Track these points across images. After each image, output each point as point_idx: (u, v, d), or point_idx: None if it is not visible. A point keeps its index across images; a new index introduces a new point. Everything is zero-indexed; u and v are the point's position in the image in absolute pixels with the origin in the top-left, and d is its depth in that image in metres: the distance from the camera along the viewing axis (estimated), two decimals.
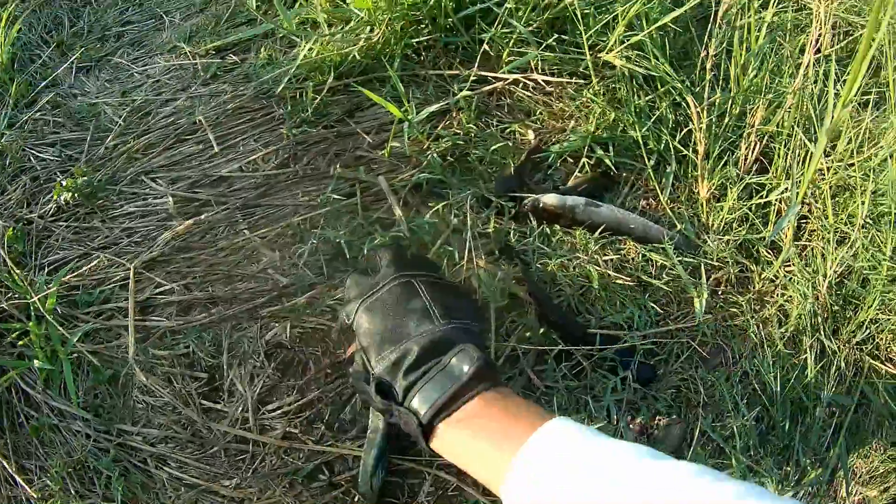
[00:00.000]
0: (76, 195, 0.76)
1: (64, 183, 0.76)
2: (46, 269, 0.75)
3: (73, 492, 0.67)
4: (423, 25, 0.81)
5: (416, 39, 0.80)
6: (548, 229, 0.71)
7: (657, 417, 0.70)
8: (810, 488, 0.69)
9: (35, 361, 0.71)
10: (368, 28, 0.79)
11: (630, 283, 0.72)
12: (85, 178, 0.76)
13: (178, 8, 0.96)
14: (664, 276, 0.74)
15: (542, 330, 0.67)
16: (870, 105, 0.85)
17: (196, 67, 0.85)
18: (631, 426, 0.69)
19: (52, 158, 0.83)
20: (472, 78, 0.76)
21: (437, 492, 0.63)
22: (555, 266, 0.69)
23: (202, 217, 0.70)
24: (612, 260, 0.72)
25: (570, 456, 0.33)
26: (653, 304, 0.71)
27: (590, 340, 0.66)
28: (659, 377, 0.70)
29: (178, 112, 0.81)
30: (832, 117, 0.67)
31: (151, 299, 0.71)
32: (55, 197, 0.76)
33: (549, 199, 0.69)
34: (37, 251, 0.77)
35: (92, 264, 0.73)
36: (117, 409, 0.70)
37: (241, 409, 0.66)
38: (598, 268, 0.70)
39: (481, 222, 0.70)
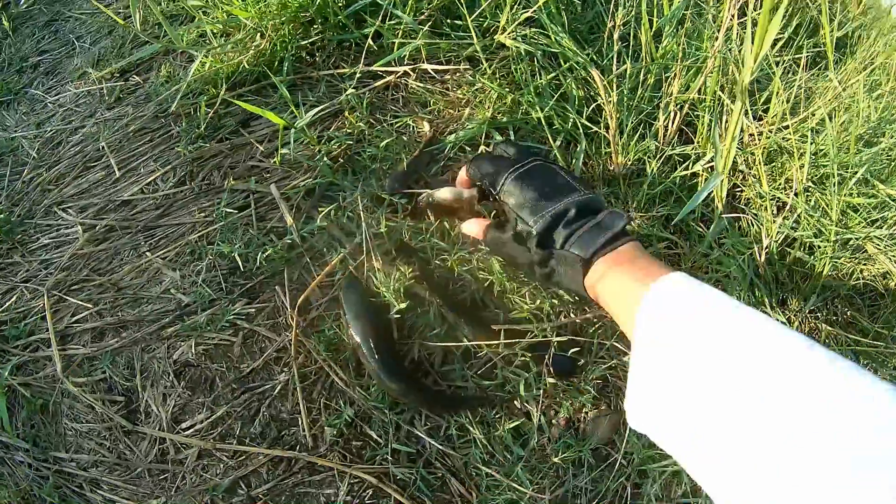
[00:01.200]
0: None
1: None
2: None
3: None
4: (314, 26, 0.80)
5: (308, 41, 0.79)
6: (446, 224, 0.70)
7: (584, 410, 0.69)
8: None
9: None
10: (259, 35, 0.78)
11: None
12: (2, 215, 0.79)
13: (89, 32, 0.97)
14: None
15: (445, 328, 0.67)
16: (802, 64, 0.79)
17: (102, 92, 0.87)
18: (553, 422, 0.68)
19: None
20: (358, 74, 0.75)
21: (354, 500, 0.65)
22: (455, 261, 0.69)
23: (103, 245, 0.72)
24: None
25: (695, 299, 0.38)
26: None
27: (496, 336, 0.65)
28: (580, 368, 0.68)
29: (85, 140, 0.83)
30: (746, 71, 0.63)
31: (69, 327, 0.74)
32: None
33: (443, 193, 0.68)
34: None
35: (13, 299, 0.77)
36: (51, 437, 0.74)
37: (157, 428, 0.69)
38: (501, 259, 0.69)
39: (375, 222, 0.70)
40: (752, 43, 0.55)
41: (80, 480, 0.72)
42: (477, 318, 0.67)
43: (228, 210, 0.72)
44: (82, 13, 1.01)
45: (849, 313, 0.76)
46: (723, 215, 0.73)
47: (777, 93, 0.73)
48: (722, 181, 0.70)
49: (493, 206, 0.65)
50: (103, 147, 0.81)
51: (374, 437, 0.66)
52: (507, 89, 0.74)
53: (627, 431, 0.67)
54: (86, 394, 0.71)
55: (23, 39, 1.03)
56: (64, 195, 0.81)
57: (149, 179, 0.77)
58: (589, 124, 0.75)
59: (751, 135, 0.78)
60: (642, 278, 0.42)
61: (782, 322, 0.70)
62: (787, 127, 0.75)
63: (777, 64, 0.80)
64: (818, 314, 0.75)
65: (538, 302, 0.68)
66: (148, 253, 0.73)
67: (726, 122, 0.70)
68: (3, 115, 0.95)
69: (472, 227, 0.63)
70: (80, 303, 0.74)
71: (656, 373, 0.38)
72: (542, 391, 0.66)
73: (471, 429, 0.65)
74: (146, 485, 0.69)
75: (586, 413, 0.68)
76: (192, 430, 0.69)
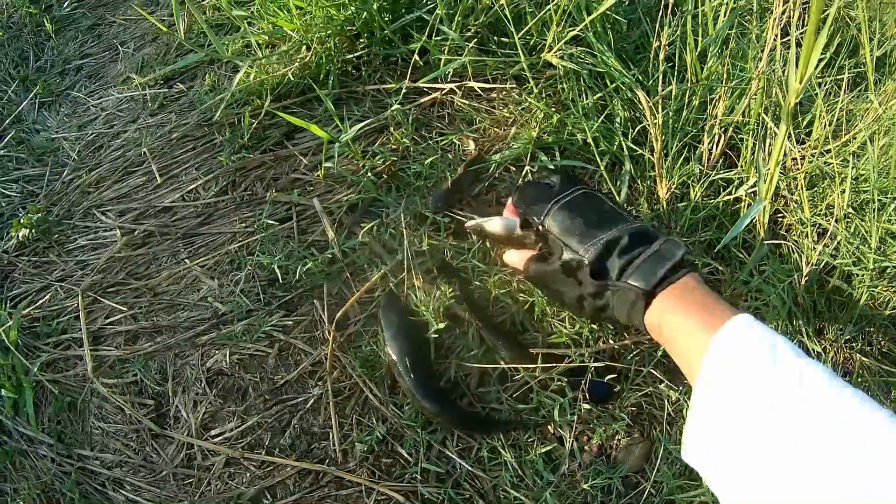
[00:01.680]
0: (34, 231, 0.81)
1: (21, 220, 0.81)
2: (10, 303, 0.81)
3: None
4: (360, 40, 0.82)
5: (354, 55, 0.81)
6: (488, 244, 0.71)
7: (616, 437, 0.69)
8: None
9: (2, 390, 0.76)
10: (304, 47, 0.80)
11: None
12: (40, 214, 0.81)
13: (133, 38, 1.00)
14: None
15: (483, 349, 0.67)
16: (844, 85, 0.80)
17: (145, 98, 0.89)
18: (586, 448, 0.68)
19: (14, 195, 0.88)
20: (404, 90, 0.77)
21: None
22: (494, 283, 0.69)
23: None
24: None
25: (761, 354, 0.38)
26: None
27: (534, 360, 0.65)
28: (616, 394, 0.68)
29: (126, 144, 0.85)
30: (792, 94, 0.63)
31: (102, 329, 0.75)
32: (13, 234, 0.81)
33: (494, 226, 0.66)
34: (2, 284, 0.83)
35: (47, 297, 0.78)
36: (77, 435, 0.74)
37: (185, 433, 0.69)
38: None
39: (417, 240, 0.71)
40: (797, 65, 0.55)
41: (102, 479, 0.72)
42: (515, 341, 0.67)
43: (270, 221, 0.73)
44: (126, 18, 1.04)
45: (884, 343, 0.76)
46: (764, 242, 0.73)
47: (819, 116, 0.74)
48: (764, 207, 0.70)
49: (536, 237, 0.63)
50: (145, 153, 0.82)
51: (405, 455, 0.66)
52: (553, 109, 0.76)
53: (658, 460, 0.67)
54: (115, 395, 0.71)
55: (66, 42, 1.06)
56: (103, 198, 0.82)
57: (190, 187, 0.78)
58: (634, 146, 0.76)
59: (793, 159, 0.78)
60: (707, 319, 0.42)
61: (819, 352, 0.71)
62: (828, 151, 0.76)
63: (819, 85, 0.81)
64: (853, 344, 0.75)
65: (577, 326, 0.69)
66: (187, 260, 0.74)
67: (770, 146, 0.70)
68: (44, 116, 0.97)
69: (514, 258, 0.62)
70: (115, 305, 0.74)
71: (718, 419, 0.38)
72: (576, 416, 0.66)
73: (502, 451, 0.65)
74: (170, 488, 0.69)
75: (619, 441, 0.68)
76: (220, 437, 0.69)
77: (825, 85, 0.83)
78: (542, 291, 0.59)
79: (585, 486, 0.64)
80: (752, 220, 0.74)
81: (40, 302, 0.79)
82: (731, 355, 0.39)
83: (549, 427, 0.67)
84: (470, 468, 0.65)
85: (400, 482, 0.66)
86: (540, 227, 0.55)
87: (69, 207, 0.84)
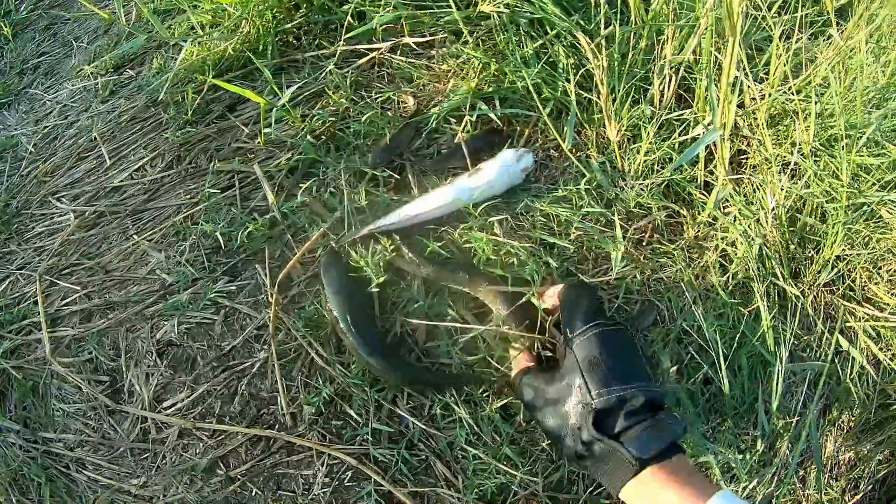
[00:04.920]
0: None
1: None
2: None
3: (14, 501, 0.77)
4: (299, 11, 0.86)
5: (293, 24, 0.86)
6: None
7: None
8: (782, 456, 0.66)
9: None
10: (243, 22, 0.85)
11: (528, 246, 0.72)
12: (1, 205, 0.87)
13: (86, 32, 1.07)
14: (571, 231, 0.74)
15: (429, 302, 0.69)
16: (800, 23, 0.79)
17: (97, 87, 0.95)
18: None
19: None
20: (339, 52, 0.80)
21: (333, 482, 0.67)
22: (436, 240, 0.72)
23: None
24: (504, 220, 0.73)
25: None
26: (558, 264, 0.71)
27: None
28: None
29: (79, 132, 0.91)
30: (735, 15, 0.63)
31: (59, 311, 0.80)
32: None
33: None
34: None
35: (8, 285, 0.83)
36: (41, 419, 0.79)
37: (139, 407, 0.74)
38: (486, 235, 0.71)
39: (356, 196, 0.74)
40: None
41: (66, 460, 0.76)
42: (471, 266, 0.69)
43: (212, 191, 0.77)
44: (79, 14, 1.11)
45: (867, 287, 0.75)
46: (726, 178, 0.73)
47: (776, 52, 0.74)
48: (722, 141, 0.70)
49: (551, 345, 0.60)
50: (95, 137, 0.88)
51: (354, 416, 0.68)
52: (492, 59, 0.78)
53: None
54: (73, 374, 0.76)
55: (24, 44, 1.14)
56: (58, 185, 0.88)
57: (137, 165, 0.83)
58: (581, 91, 0.77)
59: (752, 98, 0.79)
60: (696, 496, 0.46)
61: (797, 294, 0.70)
62: (789, 88, 0.76)
63: (775, 25, 0.81)
64: (834, 288, 0.74)
65: (527, 270, 0.70)
66: (135, 236, 0.79)
67: (727, 84, 0.70)
68: (4, 116, 1.04)
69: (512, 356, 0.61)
70: (70, 286, 0.80)
71: None
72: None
73: (456, 408, 0.67)
74: (128, 464, 0.73)
75: None
76: (173, 408, 0.72)
77: (782, 24, 0.83)
78: (521, 399, 0.58)
79: (546, 445, 0.65)
80: (713, 162, 0.74)
81: (1, 290, 0.85)
82: None
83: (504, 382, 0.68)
84: (423, 427, 0.67)
85: (351, 445, 0.68)
86: (567, 340, 0.54)
87: (27, 198, 0.90)
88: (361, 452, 0.68)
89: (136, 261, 0.78)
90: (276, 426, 0.70)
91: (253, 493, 0.69)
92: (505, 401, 0.67)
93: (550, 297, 0.62)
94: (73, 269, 0.81)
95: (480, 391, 0.68)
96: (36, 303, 0.82)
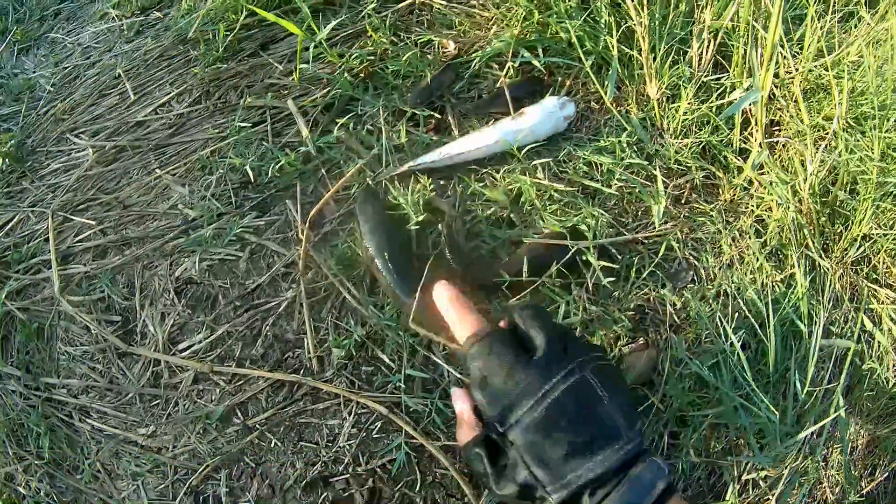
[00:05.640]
0: (7, 160, 0.84)
1: None
2: None
3: (11, 453, 0.72)
4: None
5: None
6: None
7: (619, 342, 0.66)
8: (810, 428, 0.62)
9: None
10: None
11: (570, 190, 0.70)
12: (13, 142, 0.83)
13: None
14: (614, 181, 0.72)
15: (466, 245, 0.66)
16: (832, 6, 0.79)
17: (122, 28, 0.92)
18: None
19: None
20: None
21: (360, 433, 0.62)
22: (478, 181, 0.69)
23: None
24: (547, 165, 0.71)
25: None
26: (601, 212, 0.68)
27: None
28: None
29: (102, 71, 0.88)
30: None
31: (71, 248, 0.76)
32: None
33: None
34: None
35: (18, 223, 0.79)
36: (44, 363, 0.74)
37: (153, 349, 0.69)
38: (530, 178, 0.68)
39: (395, 134, 0.71)
40: None
41: (69, 408, 0.71)
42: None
43: (243, 125, 0.74)
44: None
45: (892, 270, 0.73)
46: (764, 143, 0.72)
47: (811, 24, 0.73)
48: (761, 103, 0.69)
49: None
50: (120, 74, 0.85)
51: (387, 361, 0.64)
52: (537, 9, 0.76)
53: (666, 371, 0.64)
54: (82, 314, 0.71)
55: None
56: (77, 122, 0.84)
57: (163, 101, 0.80)
58: (622, 47, 0.76)
59: (787, 71, 0.78)
60: None
61: (827, 268, 0.68)
62: (822, 64, 0.75)
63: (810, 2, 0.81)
64: (859, 268, 0.72)
65: (572, 221, 0.67)
66: (157, 170, 0.75)
67: (763, 54, 0.70)
68: (22, 61, 1.01)
69: (458, 318, 0.47)
70: (85, 221, 0.75)
71: None
72: (577, 317, 0.64)
73: None
74: (136, 412, 0.68)
75: (621, 347, 0.66)
76: (188, 351, 0.68)
77: (815, 3, 0.82)
78: (472, 470, 0.47)
79: None
80: (744, 123, 0.73)
81: (10, 228, 0.80)
82: None
83: None
84: (459, 375, 0.63)
85: (382, 392, 0.64)
86: (500, 435, 0.42)
87: (43, 135, 0.86)
88: (392, 401, 0.63)
89: (157, 195, 0.74)
90: (302, 371, 0.65)
91: (272, 445, 0.64)
92: None
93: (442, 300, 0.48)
94: (89, 204, 0.77)
95: None
96: (47, 240, 0.77)
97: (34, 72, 0.97)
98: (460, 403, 0.47)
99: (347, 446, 0.62)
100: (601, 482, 0.40)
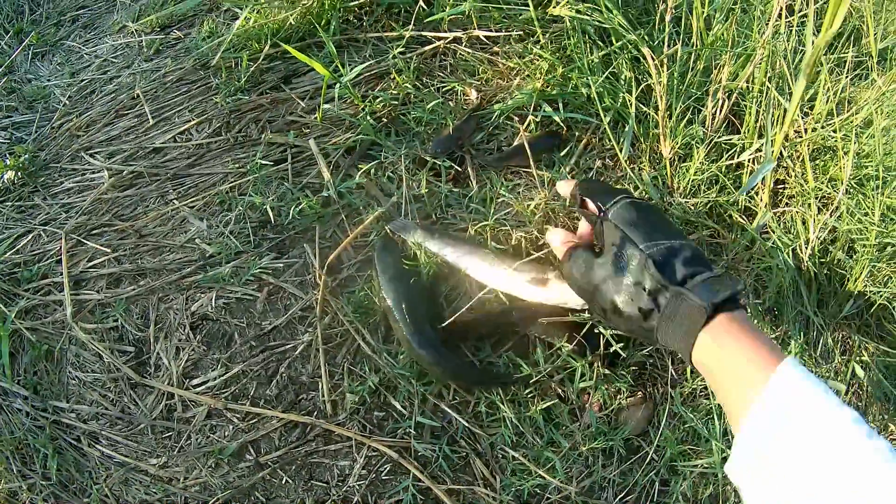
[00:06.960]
0: (20, 174, 0.83)
1: (7, 162, 0.82)
2: None
3: (15, 471, 0.72)
4: None
5: (356, 2, 0.84)
6: (489, 193, 0.72)
7: (618, 397, 0.69)
8: None
9: None
10: None
11: None
12: (27, 155, 0.82)
13: None
14: None
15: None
16: (846, 70, 0.82)
17: (141, 44, 0.91)
18: (587, 405, 0.68)
19: (2, 141, 0.90)
20: (407, 36, 0.78)
21: (370, 475, 0.64)
22: (490, 227, 0.70)
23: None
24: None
25: (805, 421, 0.39)
26: None
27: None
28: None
29: (119, 88, 0.87)
30: (809, 53, 0.65)
31: (84, 273, 0.76)
32: None
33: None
34: None
35: (29, 240, 0.79)
36: (53, 386, 0.75)
37: (166, 382, 0.70)
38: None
39: (415, 184, 0.72)
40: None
41: (77, 433, 0.72)
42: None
43: (264, 162, 0.74)
44: None
45: (883, 325, 0.77)
46: (768, 207, 0.75)
47: (823, 88, 0.76)
48: (773, 170, 0.72)
49: (591, 225, 0.58)
50: (138, 95, 0.84)
51: (398, 407, 0.66)
52: (560, 63, 0.77)
53: (662, 424, 0.67)
54: (94, 341, 0.72)
55: None
56: (92, 141, 0.84)
57: (182, 128, 0.80)
58: (639, 104, 0.78)
59: (796, 131, 0.80)
60: (757, 361, 0.43)
61: (820, 324, 0.71)
62: (831, 125, 0.78)
63: (822, 63, 0.83)
64: (851, 323, 0.76)
65: None
66: (175, 201, 0.75)
67: (774, 115, 0.72)
68: (37, 66, 0.99)
69: (556, 238, 0.59)
70: (99, 247, 0.75)
71: (773, 443, 0.40)
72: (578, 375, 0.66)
73: (501, 406, 0.65)
74: (148, 442, 0.69)
75: (620, 402, 0.68)
76: (203, 387, 0.69)
77: (828, 63, 0.85)
78: (572, 285, 0.56)
79: (585, 449, 0.64)
80: (754, 188, 0.75)
81: (21, 245, 0.80)
82: (797, 384, 0.40)
83: (551, 384, 0.67)
84: (466, 424, 0.65)
85: (392, 437, 0.66)
86: (602, 215, 0.53)
87: (57, 151, 0.85)
88: (402, 446, 0.65)
89: (174, 227, 0.74)
90: (315, 413, 0.67)
91: (283, 482, 0.65)
92: (549, 403, 0.65)
93: (564, 188, 0.62)
94: (104, 229, 0.77)
95: (526, 392, 0.66)
96: (59, 261, 0.77)
97: (49, 80, 0.95)
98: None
99: (357, 486, 0.64)
100: (690, 261, 0.48)
